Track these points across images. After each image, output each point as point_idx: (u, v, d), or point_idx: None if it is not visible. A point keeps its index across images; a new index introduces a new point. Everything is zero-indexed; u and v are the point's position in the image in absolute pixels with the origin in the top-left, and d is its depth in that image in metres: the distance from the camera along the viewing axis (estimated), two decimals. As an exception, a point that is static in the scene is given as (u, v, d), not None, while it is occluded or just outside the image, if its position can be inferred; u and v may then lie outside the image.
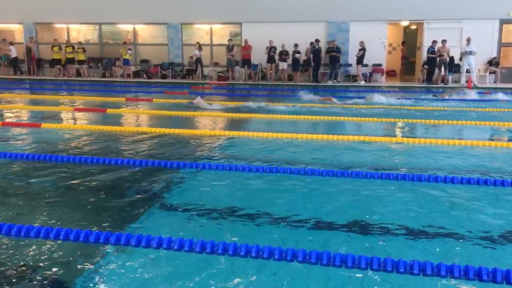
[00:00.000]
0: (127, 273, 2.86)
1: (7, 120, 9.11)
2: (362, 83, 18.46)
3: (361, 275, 2.81)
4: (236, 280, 2.77)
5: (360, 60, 18.58)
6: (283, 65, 19.19)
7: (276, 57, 19.18)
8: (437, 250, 3.28)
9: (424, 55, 18.63)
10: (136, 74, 20.85)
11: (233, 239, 3.26)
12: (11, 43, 21.06)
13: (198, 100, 11.29)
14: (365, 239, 3.47)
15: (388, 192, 4.57)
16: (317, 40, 18.69)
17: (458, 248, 3.34)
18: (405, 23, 20.27)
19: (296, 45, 18.79)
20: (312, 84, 18.52)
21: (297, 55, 18.94)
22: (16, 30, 22.65)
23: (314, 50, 18.72)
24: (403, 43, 20.64)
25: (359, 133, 7.62)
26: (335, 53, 18.65)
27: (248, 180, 4.95)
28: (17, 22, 22.11)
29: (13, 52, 20.86)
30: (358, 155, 6.25)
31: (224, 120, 9.64)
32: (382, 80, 19.56)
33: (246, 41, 19.39)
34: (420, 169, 5.42)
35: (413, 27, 20.87)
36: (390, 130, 8.62)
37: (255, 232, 3.58)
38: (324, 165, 5.51)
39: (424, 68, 18.59)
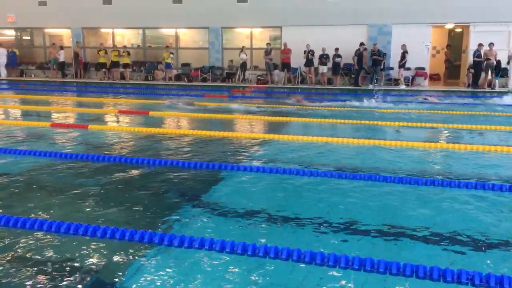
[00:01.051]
0: (167, 273, 2.94)
1: (56, 121, 9.51)
2: (403, 87, 18.10)
3: (398, 281, 2.78)
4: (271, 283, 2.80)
5: (402, 63, 18.24)
6: (323, 69, 19.09)
7: (316, 61, 19.11)
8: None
9: (470, 58, 18.07)
10: (177, 77, 21.25)
11: (263, 241, 3.29)
12: (61, 47, 21.95)
13: (180, 101, 12.35)
14: (398, 244, 3.42)
15: (423, 198, 4.50)
16: (361, 44, 18.48)
17: None
18: (450, 26, 19.73)
19: (336, 49, 18.65)
20: (352, 87, 18.33)
21: (337, 59, 18.80)
22: (65, 34, 23.59)
23: (358, 53, 18.52)
24: (447, 46, 20.09)
25: (395, 138, 7.49)
26: (377, 57, 18.39)
27: (286, 182, 4.97)
28: (65, 27, 23.02)
29: (61, 56, 21.72)
30: (394, 160, 6.16)
31: (262, 123, 9.69)
32: (425, 84, 19.11)
33: (285, 45, 19.41)
34: (458, 175, 5.29)
35: (459, 29, 20.27)
36: (426, 136, 8.43)
37: (292, 235, 3.59)
38: (361, 169, 5.46)
39: (469, 72, 18.02)
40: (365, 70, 19.12)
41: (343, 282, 2.82)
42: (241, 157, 6.28)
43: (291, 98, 13.40)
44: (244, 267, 2.96)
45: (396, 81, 18.85)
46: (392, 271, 2.83)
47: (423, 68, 19.12)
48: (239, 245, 3.05)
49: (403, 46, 18.04)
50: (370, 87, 18.34)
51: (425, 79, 19.26)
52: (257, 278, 2.85)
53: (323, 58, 18.91)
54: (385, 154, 6.56)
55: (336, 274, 2.88)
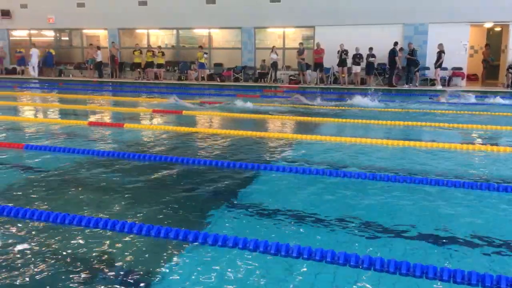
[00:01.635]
0: (200, 271, 2.97)
1: (93, 120, 9.76)
2: (439, 87, 17.68)
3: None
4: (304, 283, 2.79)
5: (438, 63, 17.83)
6: (356, 69, 18.87)
7: (349, 61, 18.92)
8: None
9: (509, 58, 17.49)
10: (210, 77, 21.44)
11: (293, 241, 3.28)
12: (98, 48, 22.51)
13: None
14: (433, 247, 3.34)
15: (458, 200, 4.40)
16: (395, 43, 18.17)
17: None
18: (488, 25, 19.14)
19: (370, 48, 18.41)
20: (386, 87, 18.05)
21: (371, 59, 18.55)
22: (101, 35, 24.18)
23: (391, 53, 18.23)
24: (486, 45, 19.49)
25: (430, 140, 7.33)
26: (409, 56, 18.04)
27: (318, 183, 4.94)
28: (102, 28, 23.60)
29: (99, 57, 22.28)
30: (431, 162, 6.03)
31: (294, 123, 9.66)
32: (462, 84, 18.61)
33: (318, 45, 19.29)
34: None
35: (498, 28, 19.65)
36: (461, 137, 8.21)
37: (325, 236, 3.57)
38: (394, 171, 5.37)
39: (509, 72, 17.44)
40: (399, 70, 18.80)
41: (378, 284, 2.78)
42: (273, 157, 6.28)
43: (292, 97, 13.88)
44: (277, 267, 2.96)
45: (432, 82, 18.44)
46: (429, 275, 2.77)
47: (460, 68, 18.64)
48: (273, 245, 3.06)
49: (440, 45, 17.62)
50: (405, 87, 18.02)
51: (462, 79, 18.76)
52: (289, 278, 2.85)
53: (357, 58, 18.69)
54: (419, 155, 6.43)
55: (370, 276, 2.84)
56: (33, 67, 23.13)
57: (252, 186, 4.96)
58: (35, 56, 23.13)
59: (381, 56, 18.55)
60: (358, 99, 12.85)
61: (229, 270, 2.96)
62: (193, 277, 2.89)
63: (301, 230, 3.69)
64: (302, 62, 19.48)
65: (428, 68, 18.85)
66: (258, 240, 3.10)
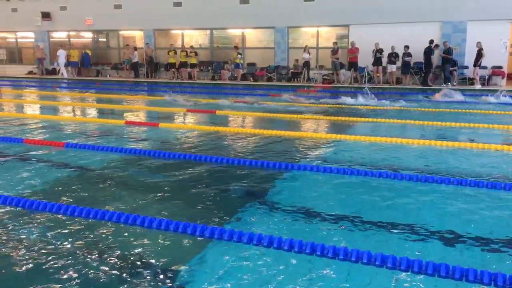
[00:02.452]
0: (227, 268, 3.00)
1: (130, 119, 9.98)
2: (478, 86, 17.17)
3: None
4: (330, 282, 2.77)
5: (477, 62, 17.32)
6: (392, 68, 18.56)
7: (384, 60, 18.62)
8: None
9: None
10: (243, 77, 21.54)
11: (323, 241, 3.26)
12: (135, 48, 23.00)
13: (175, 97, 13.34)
14: (473, 250, 3.25)
15: (493, 203, 4.25)
16: (431, 41, 17.77)
17: None
18: (531, 22, 18.45)
19: (406, 47, 18.06)
20: (422, 87, 17.67)
21: (407, 58, 18.20)
22: (137, 36, 24.70)
23: (425, 51, 17.84)
24: (528, 43, 18.80)
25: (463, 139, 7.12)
26: (444, 55, 17.60)
27: (350, 183, 4.89)
28: (138, 29, 24.09)
29: (135, 57, 22.76)
30: (466, 162, 5.86)
31: (326, 123, 9.59)
32: (502, 84, 18.01)
33: (353, 44, 19.08)
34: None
35: (541, 25, 18.90)
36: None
37: (359, 237, 3.53)
38: (430, 171, 5.25)
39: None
40: (435, 69, 18.38)
41: (416, 287, 2.74)
42: (305, 157, 6.26)
43: (290, 95, 14.22)
44: (310, 267, 2.95)
45: (471, 81, 17.93)
46: (469, 277, 2.70)
47: (500, 67, 18.05)
48: (307, 244, 3.05)
49: (479, 43, 17.11)
50: (444, 86, 17.60)
51: (502, 78, 18.16)
52: (323, 279, 2.83)
53: (392, 57, 18.38)
54: (453, 156, 6.27)
55: (407, 278, 2.80)
56: (62, 67, 24.04)
57: (283, 185, 4.95)
58: (62, 56, 24.02)
59: (418, 55, 18.17)
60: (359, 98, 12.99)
61: (261, 269, 2.97)
62: (223, 274, 2.92)
63: (333, 230, 3.66)
64: (336, 62, 19.31)
65: (466, 67, 18.35)
66: (293, 239, 3.10)
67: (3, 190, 4.56)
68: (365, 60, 18.96)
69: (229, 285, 2.79)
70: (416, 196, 4.49)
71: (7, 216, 3.92)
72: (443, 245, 3.39)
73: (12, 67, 26.91)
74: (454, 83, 17.85)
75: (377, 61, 18.68)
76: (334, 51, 19.30)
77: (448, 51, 17.55)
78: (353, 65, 19.18)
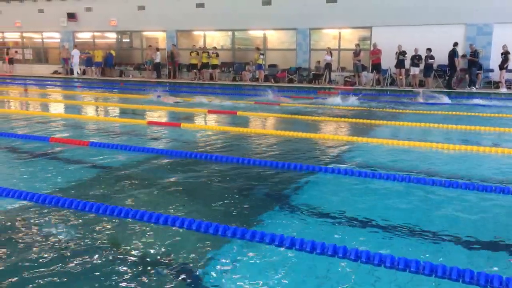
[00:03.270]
0: (248, 268, 3.01)
1: (152, 119, 10.10)
2: (504, 90, 16.83)
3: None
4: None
5: (503, 65, 16.98)
6: (415, 70, 18.34)
7: (407, 62, 18.41)
8: None
9: None
10: (264, 78, 21.57)
11: (345, 244, 3.24)
12: (157, 49, 23.26)
13: (168, 97, 13.86)
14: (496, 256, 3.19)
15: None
16: (455, 44, 17.50)
17: None
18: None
19: (429, 50, 17.82)
20: (445, 90, 17.41)
21: (430, 60, 17.96)
22: (160, 37, 24.97)
23: (450, 54, 17.58)
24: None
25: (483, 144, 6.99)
26: (471, 58, 17.30)
27: (373, 187, 4.86)
28: (161, 30, 24.35)
29: (158, 58, 23.01)
30: (492, 168, 5.75)
31: (348, 126, 9.53)
32: (529, 88, 17.63)
33: (375, 45, 18.92)
34: None
35: None
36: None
37: (383, 242, 3.50)
38: (454, 176, 5.17)
39: None
40: (460, 72, 18.10)
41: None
42: (327, 159, 6.23)
43: (275, 96, 14.46)
44: (330, 268, 2.94)
45: (497, 84, 17.58)
46: (494, 284, 2.66)
47: (527, 70, 17.65)
48: (330, 247, 3.04)
49: (505, 46, 16.78)
50: (468, 89, 17.31)
51: (529, 82, 17.77)
52: (344, 281, 2.82)
53: (415, 59, 18.16)
54: (481, 161, 6.16)
55: (428, 281, 2.77)
56: (76, 67, 24.71)
57: (303, 187, 4.95)
58: (76, 56, 24.62)
59: (442, 57, 17.91)
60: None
61: (283, 269, 2.97)
62: (244, 274, 2.93)
63: (355, 232, 3.64)
64: (358, 64, 19.19)
65: (492, 70, 18.00)
66: (315, 241, 3.09)
67: (29, 187, 4.66)
68: (387, 62, 18.78)
69: (249, 285, 2.80)
70: (440, 202, 4.44)
71: (32, 212, 4.01)
72: (465, 250, 3.34)
73: (38, 66, 27.52)
74: (476, 87, 17.52)
75: (400, 64, 18.49)
76: (356, 53, 19.18)
77: (474, 54, 17.25)
78: (376, 67, 19.02)
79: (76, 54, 24.67)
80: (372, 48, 19.10)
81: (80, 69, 24.91)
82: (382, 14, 19.15)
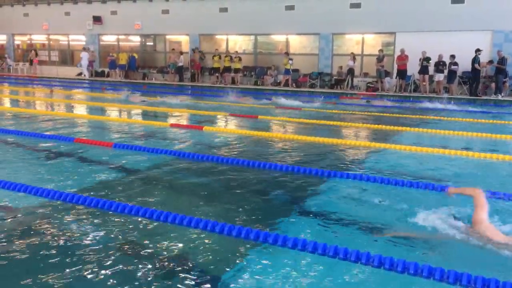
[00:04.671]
0: (269, 271, 3.01)
1: (175, 122, 10.20)
2: (532, 98, 16.46)
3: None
4: None
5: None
6: (439, 77, 18.09)
7: (431, 68, 18.18)
8: None
9: None
10: (285, 83, 21.55)
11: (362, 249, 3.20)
12: (181, 53, 23.49)
13: (135, 97, 14.66)
14: None
15: None
16: (477, 50, 17.20)
17: None
18: None
19: (452, 56, 17.56)
20: (471, 97, 17.13)
21: (453, 67, 17.70)
22: (183, 40, 25.22)
23: (473, 61, 17.29)
24: None
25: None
26: (499, 65, 16.97)
27: (393, 193, 4.80)
28: (184, 33, 24.60)
29: (181, 61, 23.24)
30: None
31: (369, 132, 9.45)
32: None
33: (402, 51, 18.65)
34: None
35: None
36: None
37: (402, 250, 3.46)
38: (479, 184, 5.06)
39: None
40: (486, 79, 17.78)
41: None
42: (347, 164, 6.19)
43: (240, 98, 15.40)
44: (352, 274, 2.92)
45: (523, 92, 17.22)
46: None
47: (556, 78, 17.24)
48: (353, 252, 3.01)
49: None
50: (493, 97, 16.98)
51: (558, 90, 17.35)
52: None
53: (440, 66, 17.92)
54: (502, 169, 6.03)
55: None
56: (85, 69, 25.47)
57: (323, 192, 4.92)
58: (85, 58, 25.33)
59: (466, 64, 17.62)
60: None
61: (305, 274, 2.96)
62: (265, 277, 2.93)
63: (378, 239, 3.60)
64: (381, 69, 19.02)
65: (519, 78, 17.64)
66: (338, 246, 3.07)
67: (54, 186, 4.76)
68: (411, 68, 18.58)
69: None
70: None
71: (57, 210, 4.10)
72: (484, 258, 3.26)
73: (63, 68, 28.07)
74: (502, 94, 17.17)
75: (423, 70, 18.26)
76: (380, 59, 19.02)
77: (502, 61, 16.92)
78: (401, 73, 18.81)
79: (84, 56, 25.42)
80: (399, 54, 18.84)
81: (91, 70, 25.63)
82: (406, 19, 18.97)
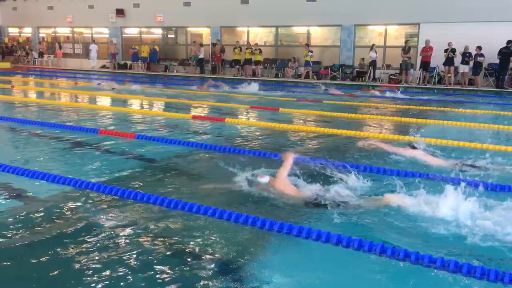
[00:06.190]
0: (293, 263, 3.03)
1: (196, 114, 10.25)
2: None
3: None
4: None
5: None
6: (464, 68, 17.72)
7: (456, 60, 17.81)
8: None
9: None
10: (306, 75, 21.43)
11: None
12: (201, 45, 23.56)
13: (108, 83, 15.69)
14: None
15: None
16: (509, 42, 16.76)
17: None
18: None
19: (479, 48, 17.16)
20: (496, 89, 16.74)
21: (479, 58, 17.30)
22: (204, 33, 25.27)
23: (502, 52, 16.86)
24: None
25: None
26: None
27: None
28: (206, 26, 24.65)
29: (202, 53, 23.31)
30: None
31: (394, 124, 9.33)
32: None
33: (427, 42, 18.30)
34: None
35: None
36: None
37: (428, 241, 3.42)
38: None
39: None
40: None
41: None
42: (369, 158, 6.13)
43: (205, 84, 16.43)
44: (377, 268, 2.90)
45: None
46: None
47: None
48: (388, 249, 2.99)
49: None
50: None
51: None
52: (392, 280, 2.78)
53: (466, 57, 17.54)
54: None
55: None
56: (93, 60, 26.41)
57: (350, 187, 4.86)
58: (94, 50, 26.25)
59: (492, 55, 17.20)
60: None
61: (329, 266, 2.96)
62: (289, 269, 2.94)
63: (406, 232, 3.56)
64: (408, 61, 18.74)
65: (548, 69, 17.15)
66: (362, 239, 3.06)
67: (79, 175, 4.84)
68: (435, 60, 18.24)
69: (293, 280, 2.80)
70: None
71: (81, 199, 4.19)
72: None
73: (87, 61, 28.44)
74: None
75: (449, 61, 17.91)
76: (406, 50, 18.71)
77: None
78: (425, 64, 18.49)
79: (93, 48, 26.28)
80: (424, 45, 18.50)
81: (114, 62, 26.20)
82: (431, 10, 18.59)
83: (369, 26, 20.95)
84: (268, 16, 22.22)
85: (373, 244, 3.00)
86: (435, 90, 17.33)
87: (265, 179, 4.30)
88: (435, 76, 18.80)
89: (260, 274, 2.87)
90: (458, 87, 17.69)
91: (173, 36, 26.78)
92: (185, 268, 2.93)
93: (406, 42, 18.98)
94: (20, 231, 3.47)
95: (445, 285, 2.76)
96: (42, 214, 3.87)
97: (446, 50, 17.74)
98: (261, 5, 22.28)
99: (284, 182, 4.27)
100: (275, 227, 3.38)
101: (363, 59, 20.28)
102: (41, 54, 29.06)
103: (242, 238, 3.43)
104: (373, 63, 19.57)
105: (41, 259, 3.02)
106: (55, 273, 2.86)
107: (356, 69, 20.65)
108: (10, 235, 3.39)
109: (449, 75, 18.20)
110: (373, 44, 19.68)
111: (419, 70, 18.87)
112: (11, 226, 3.54)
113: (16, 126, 8.05)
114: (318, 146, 7.01)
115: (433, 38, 18.19)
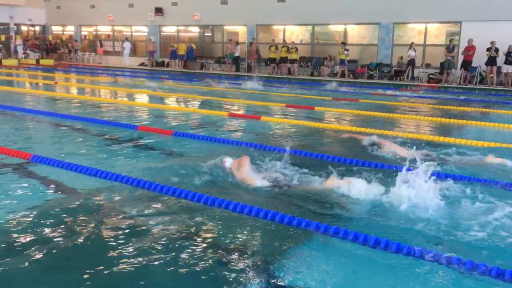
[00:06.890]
0: (329, 263, 3.01)
1: (233, 112, 10.33)
2: None
3: None
4: None
5: None
6: (508, 68, 17.10)
7: (499, 60, 17.20)
8: None
9: None
10: (342, 74, 21.20)
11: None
12: (237, 43, 23.68)
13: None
14: None
15: None
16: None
17: None
18: None
19: (524, 47, 16.53)
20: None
21: (524, 58, 16.67)
22: (240, 31, 25.39)
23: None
24: None
25: None
26: None
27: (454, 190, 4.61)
28: (242, 24, 24.76)
29: (238, 52, 23.43)
30: None
31: (429, 124, 9.12)
32: None
33: (470, 41, 17.73)
34: None
35: None
36: None
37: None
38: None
39: None
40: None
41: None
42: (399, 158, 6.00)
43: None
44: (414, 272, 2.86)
45: None
46: None
47: None
48: (415, 250, 2.95)
49: None
50: None
51: None
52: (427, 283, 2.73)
53: (510, 57, 16.92)
54: None
55: None
56: (126, 57, 27.21)
57: (385, 183, 4.79)
58: (127, 48, 27.17)
59: (540, 55, 16.52)
60: None
61: (364, 268, 2.93)
62: (324, 269, 2.94)
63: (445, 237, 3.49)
64: (451, 60, 18.25)
65: None
66: (401, 243, 3.02)
67: (118, 170, 4.96)
68: (477, 59, 17.68)
69: (329, 280, 2.80)
70: None
71: (118, 192, 4.33)
72: None
73: (124, 58, 29.10)
74: None
75: (491, 61, 17.32)
76: (450, 49, 18.21)
77: None
78: (467, 64, 17.95)
79: (127, 46, 27.09)
80: (467, 44, 17.94)
81: (152, 60, 26.54)
82: (473, 7, 18.03)
83: (409, 24, 20.50)
84: (305, 14, 22.09)
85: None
86: (476, 91, 16.81)
87: (227, 163, 4.85)
88: (477, 76, 18.22)
89: (297, 273, 2.88)
90: (501, 87, 17.09)
91: (209, 34, 27.03)
92: (219, 264, 2.98)
93: (450, 40, 18.49)
94: (61, 223, 3.61)
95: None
96: (81, 206, 4.01)
97: (488, 49, 17.17)
98: (298, 3, 22.18)
99: (243, 175, 4.74)
100: (312, 226, 3.38)
101: (401, 57, 19.88)
102: (82, 51, 30.04)
103: (281, 237, 3.44)
104: (411, 62, 19.16)
105: (79, 250, 3.14)
106: (93, 263, 2.96)
107: (394, 68, 20.27)
108: (50, 225, 3.54)
109: (491, 75, 17.60)
110: (412, 43, 19.25)
111: (460, 69, 18.34)
112: (51, 218, 3.69)
113: (59, 121, 8.34)
114: (353, 145, 6.92)
115: (475, 37, 17.62)
